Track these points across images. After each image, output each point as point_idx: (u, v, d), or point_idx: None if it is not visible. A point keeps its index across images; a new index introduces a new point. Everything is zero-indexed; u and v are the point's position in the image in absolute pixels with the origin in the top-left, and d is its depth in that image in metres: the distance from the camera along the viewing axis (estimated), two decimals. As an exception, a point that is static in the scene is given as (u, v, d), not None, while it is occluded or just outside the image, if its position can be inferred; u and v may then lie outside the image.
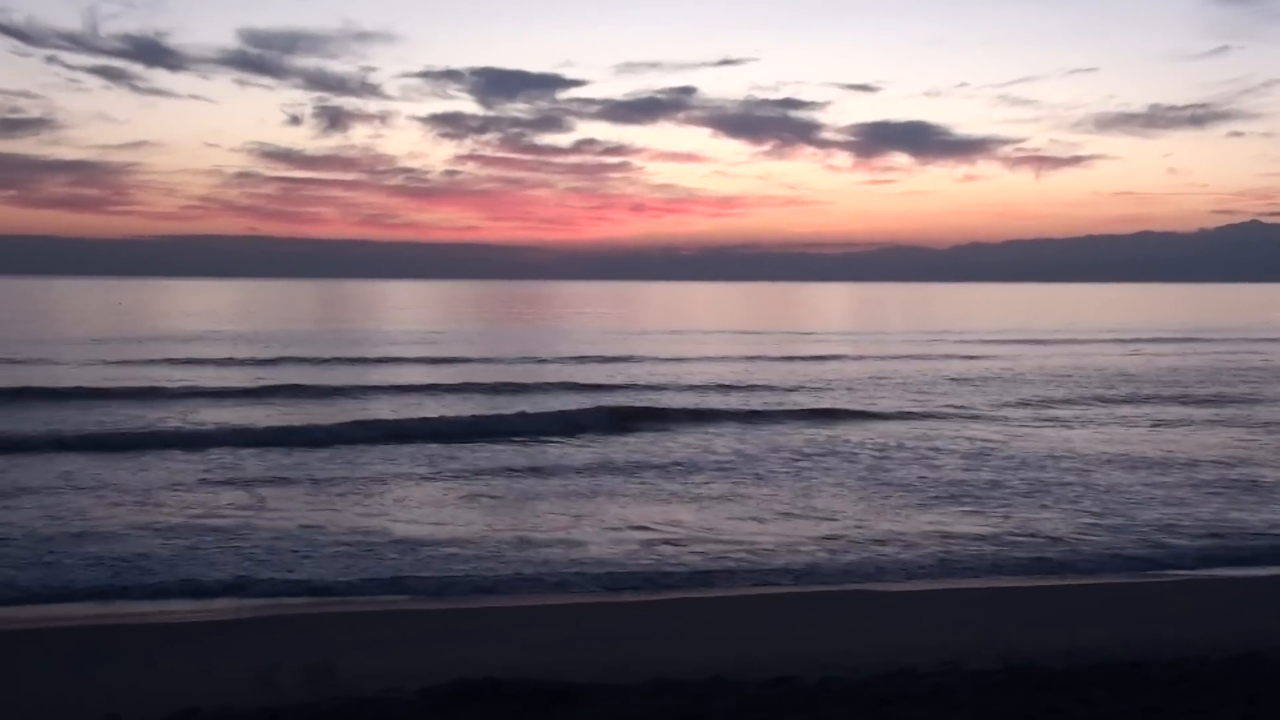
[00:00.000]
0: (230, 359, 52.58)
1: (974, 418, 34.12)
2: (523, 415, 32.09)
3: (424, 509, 20.89)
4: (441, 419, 31.52)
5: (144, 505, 20.60)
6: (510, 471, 24.63)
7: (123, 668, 12.21)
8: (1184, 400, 39.77)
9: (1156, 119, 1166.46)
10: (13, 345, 57.99)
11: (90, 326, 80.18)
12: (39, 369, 45.54)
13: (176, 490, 21.95)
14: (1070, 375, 48.84)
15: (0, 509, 20.04)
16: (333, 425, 30.00)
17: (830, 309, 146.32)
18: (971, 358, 57.82)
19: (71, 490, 21.68)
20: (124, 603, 15.20)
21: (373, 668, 11.52)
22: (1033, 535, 19.18)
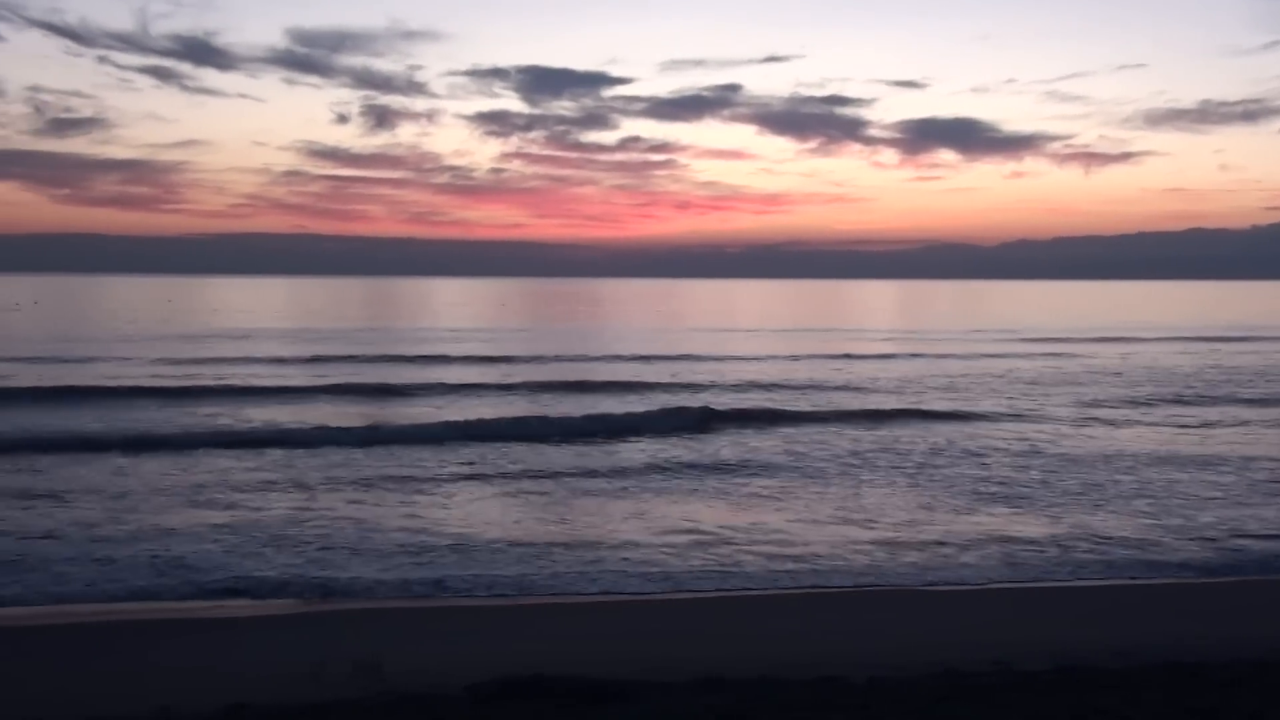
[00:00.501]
0: (315, 356, 53.02)
1: (1046, 419, 33.61)
2: (610, 416, 32.10)
3: (544, 509, 21.01)
4: (544, 418, 31.67)
5: (208, 504, 20.84)
6: (608, 473, 24.55)
7: (173, 662, 12.30)
8: (1237, 400, 39.32)
9: (1208, 115, 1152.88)
10: (71, 344, 58.51)
11: (146, 324, 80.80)
12: (95, 367, 45.98)
13: (268, 490, 22.12)
14: (1120, 374, 48.38)
15: (57, 508, 20.21)
16: (425, 425, 30.57)
17: (883, 307, 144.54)
18: (1055, 355, 57.21)
19: (126, 488, 21.88)
20: (176, 600, 15.32)
21: (419, 664, 11.53)
22: (1095, 537, 18.98)
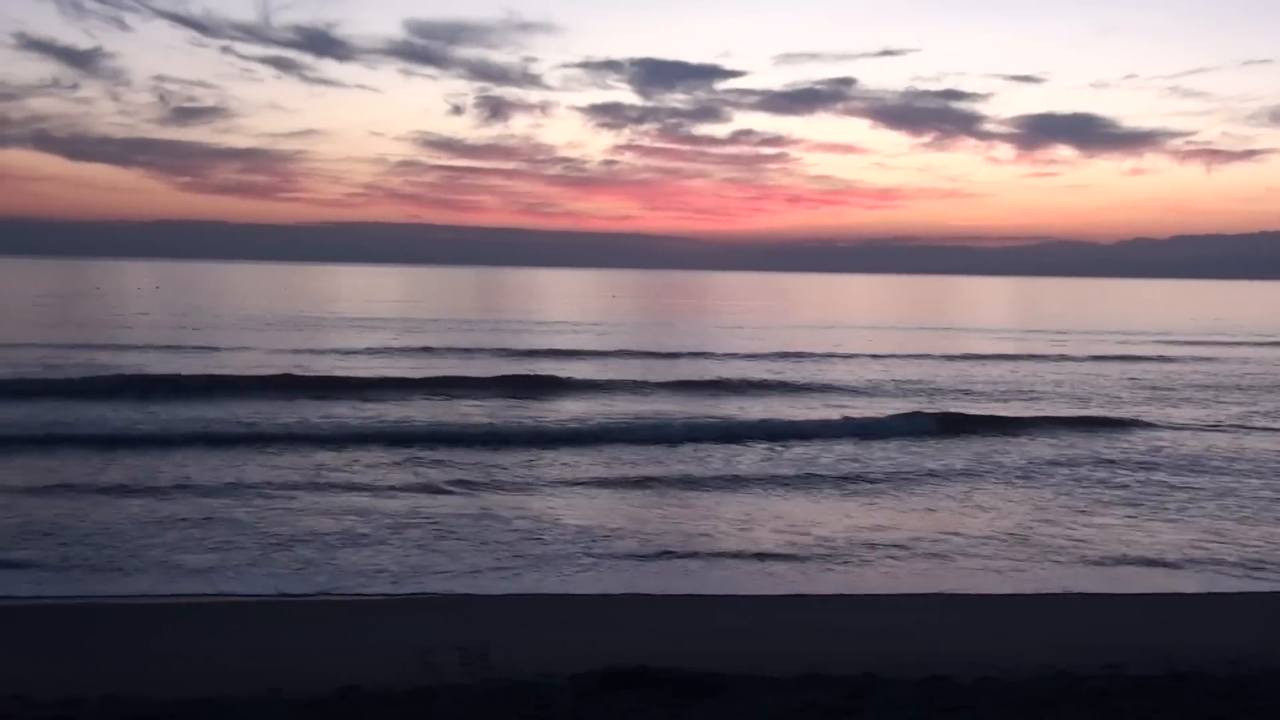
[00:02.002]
0: (478, 348, 52.49)
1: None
2: (841, 420, 31.34)
3: (796, 509, 20.84)
4: (770, 421, 31.17)
5: (332, 491, 21.29)
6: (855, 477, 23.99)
7: (286, 643, 12.54)
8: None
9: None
10: (209, 333, 59.43)
11: (275, 311, 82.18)
12: (230, 356, 46.30)
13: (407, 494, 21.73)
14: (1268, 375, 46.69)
15: (178, 500, 20.68)
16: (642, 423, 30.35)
17: (1014, 305, 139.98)
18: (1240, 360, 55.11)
19: (245, 479, 22.30)
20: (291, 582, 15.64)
21: (525, 652, 11.62)
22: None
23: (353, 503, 20.30)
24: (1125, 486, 23.40)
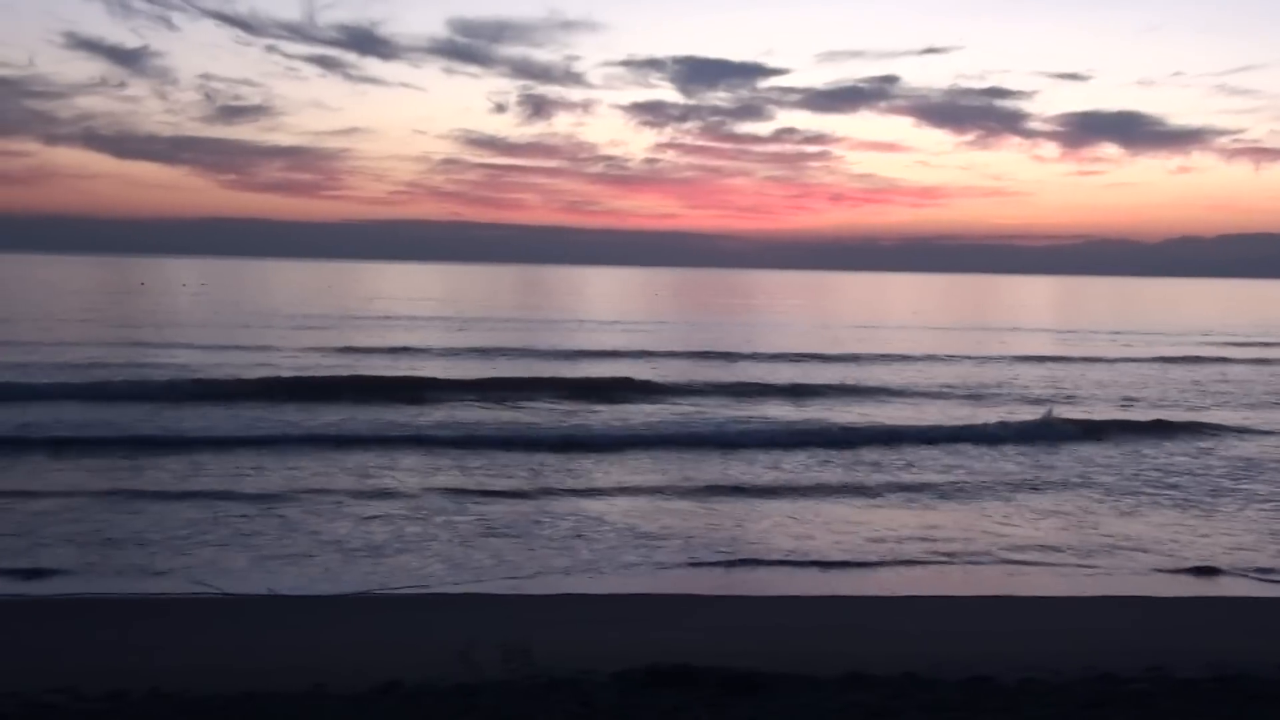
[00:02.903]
0: (545, 349, 51.71)
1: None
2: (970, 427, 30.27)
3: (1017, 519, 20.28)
4: (905, 426, 30.41)
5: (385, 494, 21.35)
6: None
7: (329, 639, 12.62)
8: None
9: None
10: (260, 331, 59.46)
11: (337, 308, 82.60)
12: (287, 357, 45.98)
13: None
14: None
15: (231, 500, 20.81)
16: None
17: (1069, 304, 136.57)
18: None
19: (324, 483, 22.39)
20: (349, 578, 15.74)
21: (566, 649, 11.64)
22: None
23: (396, 502, 20.38)
24: (1174, 487, 23.18)
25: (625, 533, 18.45)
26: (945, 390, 39.50)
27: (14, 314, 65.55)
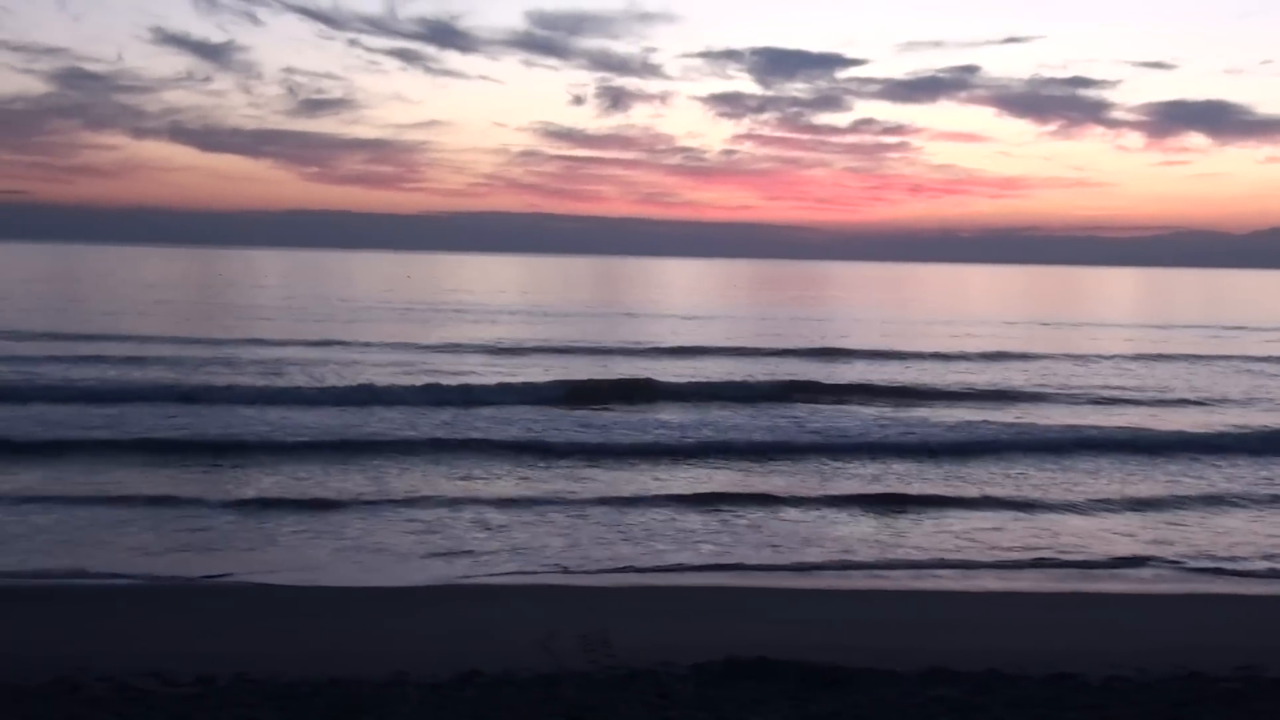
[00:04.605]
0: (777, 348, 47.64)
1: None
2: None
3: None
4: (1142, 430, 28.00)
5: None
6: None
7: (410, 627, 12.74)
8: None
9: None
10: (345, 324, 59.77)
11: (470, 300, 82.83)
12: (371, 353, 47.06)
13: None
14: None
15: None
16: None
17: (1177, 297, 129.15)
18: None
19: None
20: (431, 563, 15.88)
21: (646, 640, 11.66)
22: None
23: (483, 491, 20.48)
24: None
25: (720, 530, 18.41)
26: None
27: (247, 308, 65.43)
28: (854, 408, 31.35)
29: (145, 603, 13.73)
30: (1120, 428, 28.33)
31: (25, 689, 9.87)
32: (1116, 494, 21.25)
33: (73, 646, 11.35)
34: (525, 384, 33.09)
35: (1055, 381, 37.96)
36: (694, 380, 35.36)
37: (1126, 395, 35.19)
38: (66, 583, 14.52)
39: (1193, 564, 16.80)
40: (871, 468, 23.29)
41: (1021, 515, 19.53)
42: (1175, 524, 19.07)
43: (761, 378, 36.42)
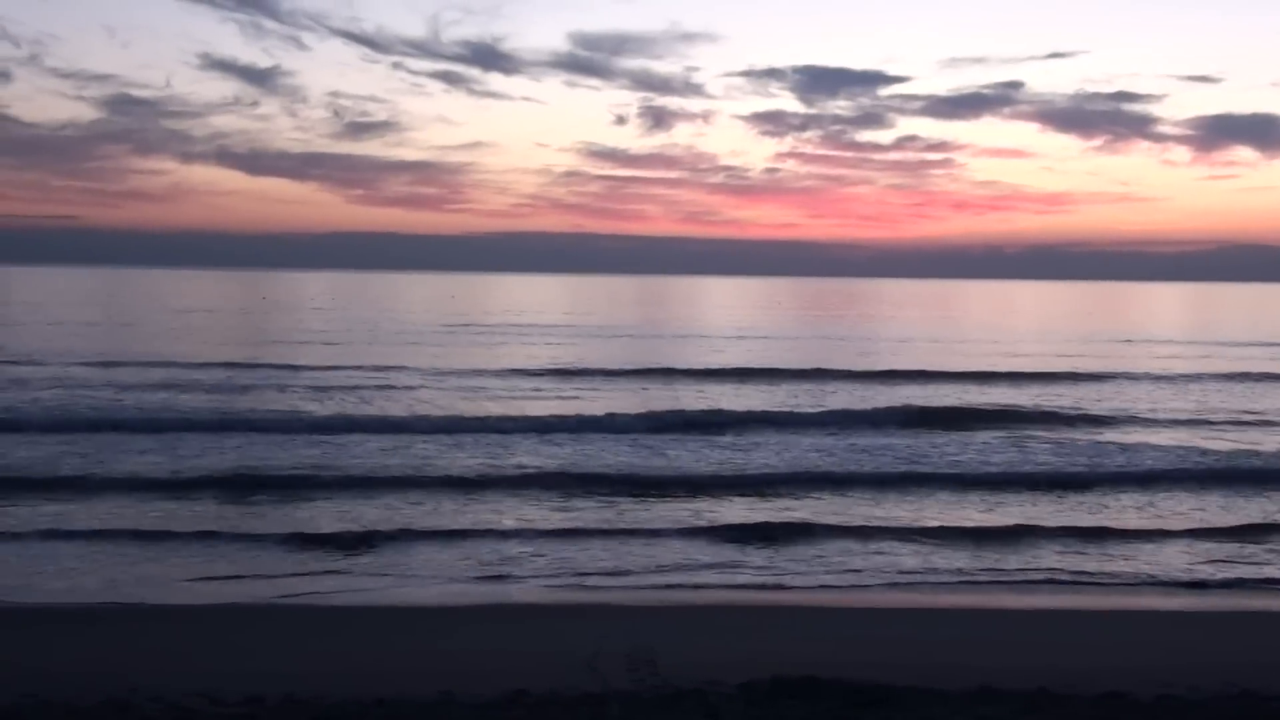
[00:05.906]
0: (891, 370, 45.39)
1: None
2: None
3: None
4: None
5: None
6: None
7: (456, 647, 12.76)
8: None
9: None
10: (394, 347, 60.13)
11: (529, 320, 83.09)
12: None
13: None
14: None
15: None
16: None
17: (1238, 313, 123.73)
18: None
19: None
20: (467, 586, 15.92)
21: (693, 659, 11.62)
22: None
23: (526, 511, 20.57)
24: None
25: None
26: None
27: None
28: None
29: (194, 623, 13.82)
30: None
31: (78, 709, 9.97)
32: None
33: (123, 667, 11.45)
34: (606, 414, 31.36)
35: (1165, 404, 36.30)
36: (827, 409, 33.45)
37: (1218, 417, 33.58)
38: (116, 603, 14.66)
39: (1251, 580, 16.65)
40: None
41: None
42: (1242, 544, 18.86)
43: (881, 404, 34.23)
